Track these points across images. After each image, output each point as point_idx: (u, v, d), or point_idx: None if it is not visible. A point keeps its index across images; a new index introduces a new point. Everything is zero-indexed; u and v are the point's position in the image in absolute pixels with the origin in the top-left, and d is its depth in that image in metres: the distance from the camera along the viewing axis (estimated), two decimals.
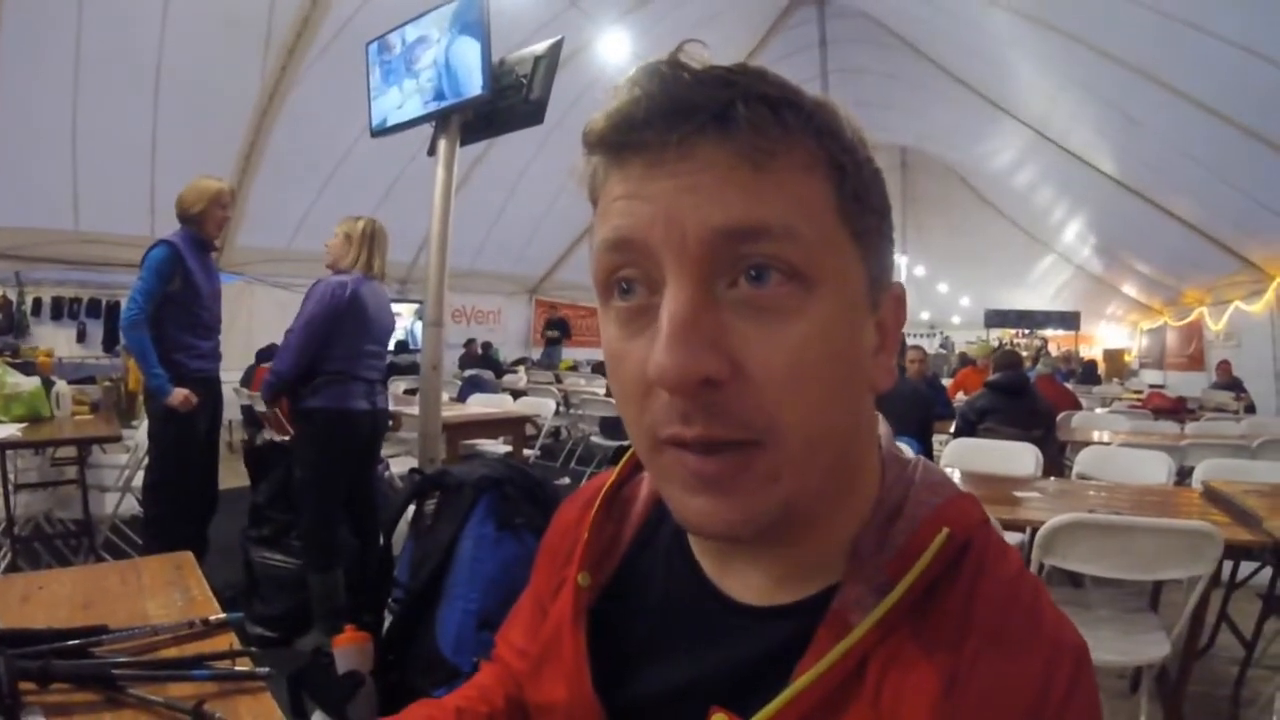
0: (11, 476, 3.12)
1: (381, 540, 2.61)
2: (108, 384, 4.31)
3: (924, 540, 0.46)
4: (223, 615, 1.05)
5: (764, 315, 0.41)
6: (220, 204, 3.13)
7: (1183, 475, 3.40)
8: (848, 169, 0.43)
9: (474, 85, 2.89)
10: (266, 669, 0.91)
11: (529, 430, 5.24)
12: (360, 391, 2.97)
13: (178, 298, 3.03)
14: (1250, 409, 7.83)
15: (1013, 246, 17.72)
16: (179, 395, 2.96)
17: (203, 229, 3.12)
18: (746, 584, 0.52)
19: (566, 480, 6.03)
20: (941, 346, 20.00)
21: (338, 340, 2.91)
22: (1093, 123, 8.36)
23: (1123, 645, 2.02)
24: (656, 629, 0.55)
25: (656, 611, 0.56)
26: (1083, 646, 0.45)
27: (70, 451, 3.34)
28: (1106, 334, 19.19)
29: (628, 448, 0.55)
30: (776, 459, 0.41)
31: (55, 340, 7.59)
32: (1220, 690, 2.58)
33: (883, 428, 0.54)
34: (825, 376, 0.42)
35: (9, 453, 3.06)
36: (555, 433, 6.89)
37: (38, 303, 7.71)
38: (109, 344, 7.88)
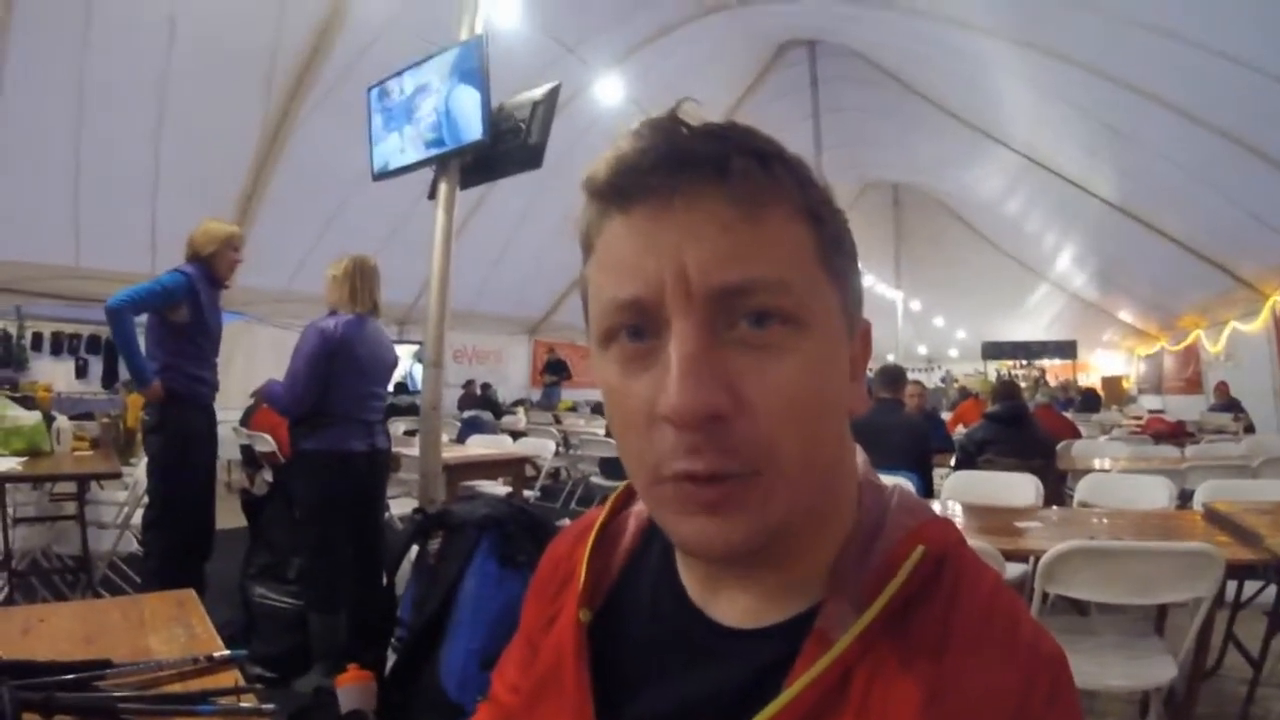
0: (10, 510, 3.11)
1: (385, 580, 2.60)
2: (106, 420, 4.30)
3: (900, 557, 0.48)
4: (226, 652, 1.05)
5: (761, 354, 0.44)
6: (232, 246, 3.18)
7: (1185, 499, 3.39)
8: (825, 218, 0.48)
9: (473, 131, 2.94)
10: (271, 705, 0.92)
11: (529, 471, 5.22)
12: (358, 432, 2.98)
13: (186, 329, 3.05)
14: (1249, 429, 7.83)
15: (1006, 278, 17.84)
16: (156, 388, 2.96)
17: (215, 270, 3.15)
18: (733, 608, 0.52)
19: (566, 521, 5.96)
20: (942, 380, 20.00)
21: (336, 384, 2.91)
22: (1080, 140, 8.45)
23: (1130, 670, 2.00)
24: (645, 658, 0.56)
25: (644, 641, 0.56)
26: (1062, 657, 0.46)
27: (69, 487, 3.33)
28: (1104, 361, 19.24)
29: None
30: (772, 485, 0.44)
31: (54, 375, 7.57)
32: (1230, 708, 2.56)
33: (860, 456, 0.56)
34: (816, 407, 0.45)
35: (8, 486, 3.05)
36: (555, 473, 6.85)
37: (38, 337, 7.73)
38: (108, 381, 7.90)
